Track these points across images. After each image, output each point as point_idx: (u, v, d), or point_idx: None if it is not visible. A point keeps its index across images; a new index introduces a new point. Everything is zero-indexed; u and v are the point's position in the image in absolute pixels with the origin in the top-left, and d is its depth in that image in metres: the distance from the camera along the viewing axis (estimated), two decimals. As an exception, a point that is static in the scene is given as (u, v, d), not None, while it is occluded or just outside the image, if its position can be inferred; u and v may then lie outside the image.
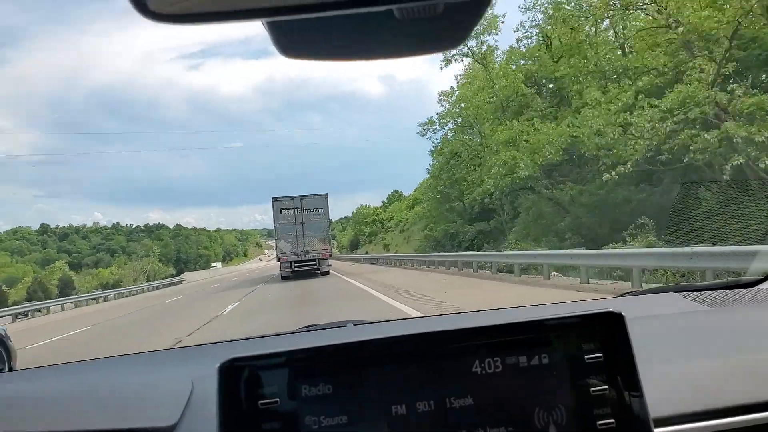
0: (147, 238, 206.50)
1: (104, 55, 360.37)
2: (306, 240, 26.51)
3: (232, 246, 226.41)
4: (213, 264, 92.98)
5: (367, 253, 73.59)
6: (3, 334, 2.43)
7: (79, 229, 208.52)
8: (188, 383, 1.12)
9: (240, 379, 0.87)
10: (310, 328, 1.89)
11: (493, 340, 0.92)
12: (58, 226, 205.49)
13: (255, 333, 1.90)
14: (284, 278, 25.89)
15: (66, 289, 76.76)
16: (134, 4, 0.59)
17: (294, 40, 0.69)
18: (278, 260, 26.96)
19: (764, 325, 1.47)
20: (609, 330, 0.95)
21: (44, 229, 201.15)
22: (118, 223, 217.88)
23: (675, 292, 1.91)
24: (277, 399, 0.87)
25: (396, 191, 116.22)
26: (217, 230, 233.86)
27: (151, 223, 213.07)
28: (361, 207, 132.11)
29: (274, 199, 27.22)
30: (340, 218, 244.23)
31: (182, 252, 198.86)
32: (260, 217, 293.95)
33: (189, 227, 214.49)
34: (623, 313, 0.95)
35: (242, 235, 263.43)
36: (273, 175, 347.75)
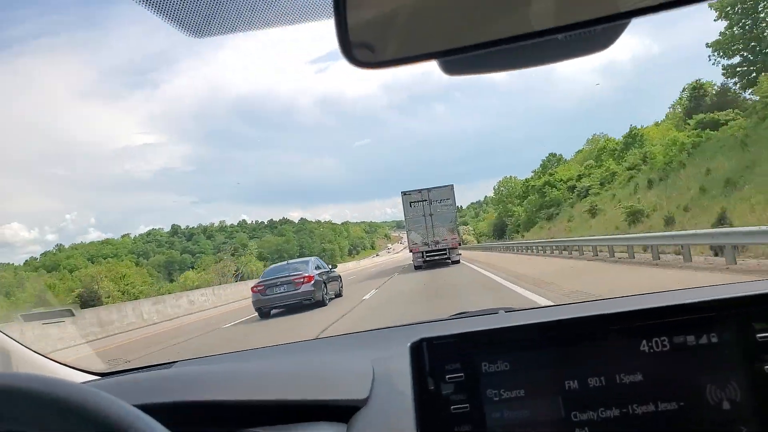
0: (270, 233, 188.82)
1: (240, 68, 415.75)
2: (435, 230, 28.08)
3: (359, 239, 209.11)
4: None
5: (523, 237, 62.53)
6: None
7: (207, 229, 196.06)
8: (369, 364, 1.25)
9: (427, 356, 0.99)
10: (463, 315, 1.95)
11: (659, 321, 0.99)
12: (188, 226, 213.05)
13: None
14: (417, 268, 27.26)
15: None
16: (347, 57, 0.73)
17: (459, 65, 0.80)
18: (410, 251, 28.80)
19: None
20: None
21: (175, 230, 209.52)
22: (244, 220, 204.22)
23: None
24: (462, 374, 0.97)
25: (552, 154, 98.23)
26: (345, 223, 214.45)
27: (275, 219, 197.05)
28: (505, 180, 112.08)
29: (404, 193, 28.98)
30: (471, 203, 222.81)
31: (305, 247, 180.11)
32: (390, 210, 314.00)
33: (313, 221, 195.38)
34: None
35: (370, 227, 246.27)
36: (400, 168, 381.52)
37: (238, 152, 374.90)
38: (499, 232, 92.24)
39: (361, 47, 0.75)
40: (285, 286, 15.33)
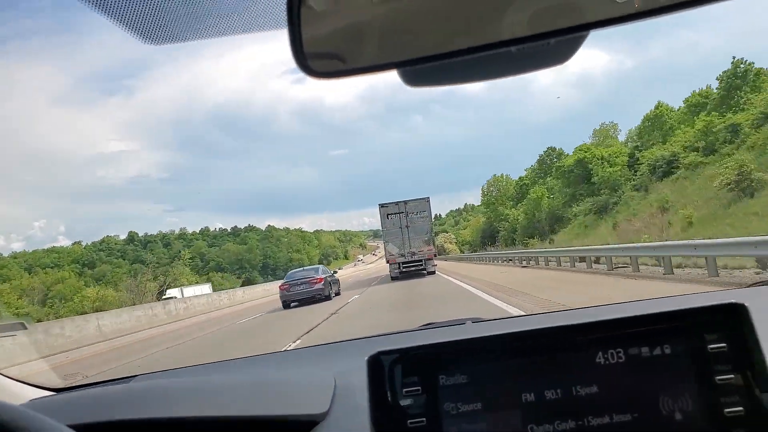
0: (231, 241, 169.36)
1: (218, 76, 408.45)
2: (411, 242, 29.39)
3: (331, 248, 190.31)
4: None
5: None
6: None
7: (165, 236, 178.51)
8: (331, 377, 1.28)
9: (386, 369, 1.01)
10: (430, 326, 2.00)
11: (615, 333, 1.02)
12: (146, 233, 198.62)
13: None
14: (393, 278, 28.99)
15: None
16: (302, 68, 0.74)
17: (420, 76, 0.81)
18: (387, 262, 30.55)
19: None
20: (732, 321, 1.01)
21: (131, 237, 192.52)
22: (207, 228, 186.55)
23: None
24: (419, 387, 0.99)
25: (552, 148, 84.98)
26: (317, 231, 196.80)
27: (240, 226, 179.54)
28: (495, 179, 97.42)
29: (381, 205, 30.60)
30: (451, 211, 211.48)
31: (270, 257, 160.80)
32: (368, 220, 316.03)
33: (281, 228, 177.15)
34: (747, 305, 1.01)
35: (345, 236, 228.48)
36: (378, 179, 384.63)
37: (214, 161, 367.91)
38: (489, 239, 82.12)
39: (316, 57, 0.76)
40: (303, 285, 21.74)
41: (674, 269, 13.45)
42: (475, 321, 1.89)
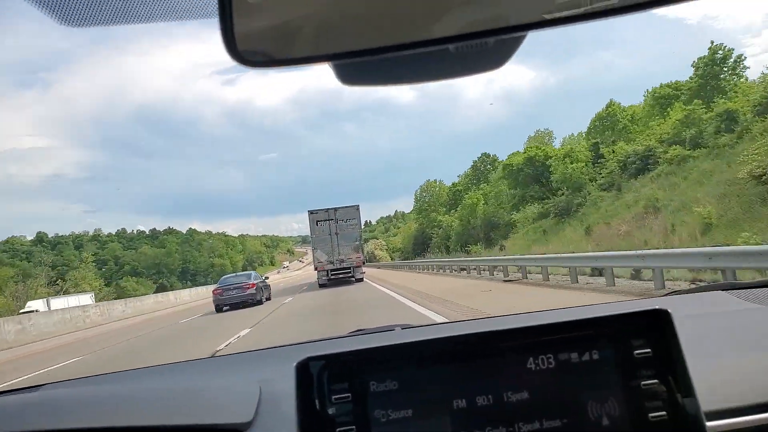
0: (150, 245, 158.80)
1: (145, 74, 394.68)
2: (340, 249, 29.49)
3: (257, 253, 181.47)
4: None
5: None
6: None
7: (77, 237, 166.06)
8: (256, 385, 1.27)
9: (314, 376, 0.98)
10: (360, 332, 2.01)
11: (545, 338, 1.02)
12: (56, 234, 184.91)
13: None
14: (321, 286, 29.09)
15: None
16: (233, 55, 0.72)
17: (354, 73, 0.80)
18: (315, 269, 30.50)
19: None
20: (656, 326, 1.03)
21: (40, 238, 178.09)
22: (123, 229, 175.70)
23: (722, 290, 1.99)
24: (348, 394, 0.97)
25: (486, 154, 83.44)
26: (242, 236, 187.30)
27: (159, 228, 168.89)
28: (428, 184, 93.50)
29: (311, 212, 30.41)
30: (381, 217, 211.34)
31: (190, 261, 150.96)
32: (297, 225, 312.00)
33: (203, 231, 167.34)
34: (669, 311, 1.04)
35: (272, 241, 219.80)
36: (308, 184, 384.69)
37: (138, 160, 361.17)
38: (421, 246, 79.05)
39: (248, 44, 0.75)
40: (236, 290, 22.93)
41: (617, 279, 13.06)
42: (405, 327, 1.90)
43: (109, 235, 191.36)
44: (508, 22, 0.71)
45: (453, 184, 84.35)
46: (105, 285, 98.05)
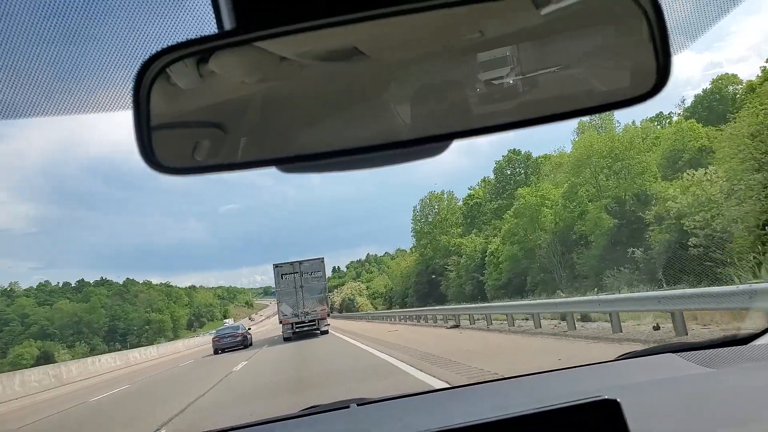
0: (71, 299, 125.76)
1: (100, 125, 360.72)
2: (305, 302, 30.82)
3: (207, 306, 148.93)
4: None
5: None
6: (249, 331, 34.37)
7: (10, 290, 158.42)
8: None
9: None
10: (313, 409, 1.93)
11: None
12: None
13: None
14: (286, 339, 30.65)
15: None
16: (149, 163, 0.70)
17: (292, 168, 0.80)
18: (280, 322, 32.20)
19: (765, 393, 1.60)
20: (607, 415, 1.06)
21: None
22: (47, 282, 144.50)
23: (673, 352, 2.03)
24: None
25: (515, 151, 58.70)
26: (190, 287, 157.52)
27: (90, 280, 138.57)
28: (435, 196, 69.14)
29: (275, 266, 32.15)
30: (351, 261, 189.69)
31: (119, 318, 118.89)
32: (260, 278, 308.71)
33: (141, 282, 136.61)
34: (618, 399, 1.07)
35: (228, 292, 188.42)
36: (272, 234, 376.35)
37: (92, 213, 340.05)
38: (425, 287, 55.71)
39: (166, 151, 0.71)
40: (230, 338, 33.16)
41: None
42: (361, 403, 1.86)
43: (29, 288, 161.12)
44: (440, 131, 0.71)
45: (468, 195, 58.95)
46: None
